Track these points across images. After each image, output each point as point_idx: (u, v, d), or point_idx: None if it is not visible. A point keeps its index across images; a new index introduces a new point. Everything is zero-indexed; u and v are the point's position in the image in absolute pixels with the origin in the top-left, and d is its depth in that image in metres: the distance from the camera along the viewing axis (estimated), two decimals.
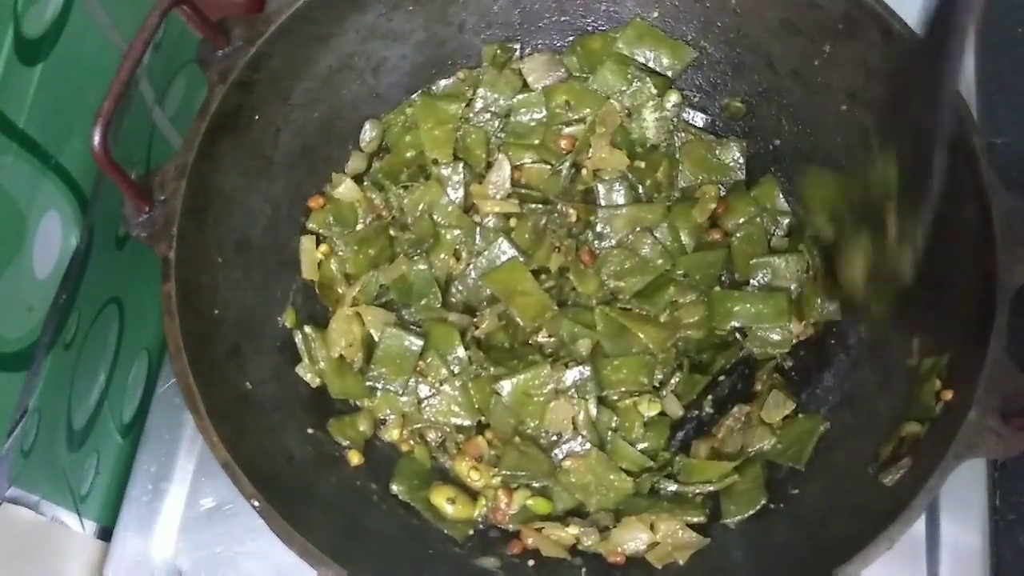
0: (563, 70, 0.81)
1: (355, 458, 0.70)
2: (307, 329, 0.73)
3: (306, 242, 0.76)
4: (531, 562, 0.67)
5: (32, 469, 0.67)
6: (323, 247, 0.77)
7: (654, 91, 0.79)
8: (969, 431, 0.55)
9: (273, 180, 0.73)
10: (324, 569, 0.56)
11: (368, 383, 0.73)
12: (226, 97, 0.66)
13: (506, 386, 0.71)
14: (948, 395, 0.59)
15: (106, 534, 0.78)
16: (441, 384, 0.73)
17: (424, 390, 0.73)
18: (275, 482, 0.60)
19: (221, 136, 0.67)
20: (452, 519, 0.69)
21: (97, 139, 0.58)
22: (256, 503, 0.57)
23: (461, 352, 0.73)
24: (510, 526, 0.69)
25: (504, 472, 0.70)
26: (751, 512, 0.67)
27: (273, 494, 0.57)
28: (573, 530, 0.68)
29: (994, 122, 0.88)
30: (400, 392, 0.72)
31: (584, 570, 0.67)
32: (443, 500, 0.69)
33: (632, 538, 0.67)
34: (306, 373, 0.72)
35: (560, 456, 0.71)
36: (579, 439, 0.71)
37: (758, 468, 0.69)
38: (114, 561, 0.76)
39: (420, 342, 0.72)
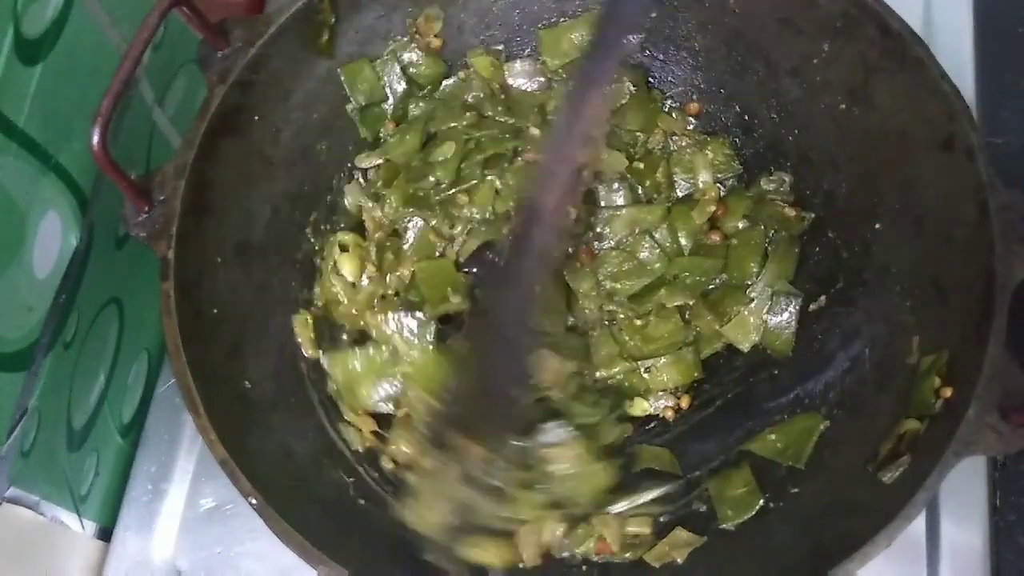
0: (545, 77, 0.81)
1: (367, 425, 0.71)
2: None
3: (298, 321, 0.74)
4: None
5: (32, 469, 0.67)
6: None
7: (632, 88, 0.79)
8: (968, 428, 0.55)
9: (273, 180, 0.73)
10: (323, 568, 0.56)
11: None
12: (226, 97, 0.67)
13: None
14: (948, 392, 0.58)
15: (106, 534, 0.78)
16: None
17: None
18: (274, 480, 0.60)
19: (221, 136, 0.67)
20: None
21: (96, 138, 0.58)
22: (253, 500, 0.56)
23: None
24: None
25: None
26: (748, 516, 0.67)
27: (271, 492, 0.57)
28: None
29: (994, 122, 0.87)
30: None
31: (584, 567, 0.67)
32: None
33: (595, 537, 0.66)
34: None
35: None
36: None
37: (747, 471, 0.68)
38: (114, 561, 0.76)
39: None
